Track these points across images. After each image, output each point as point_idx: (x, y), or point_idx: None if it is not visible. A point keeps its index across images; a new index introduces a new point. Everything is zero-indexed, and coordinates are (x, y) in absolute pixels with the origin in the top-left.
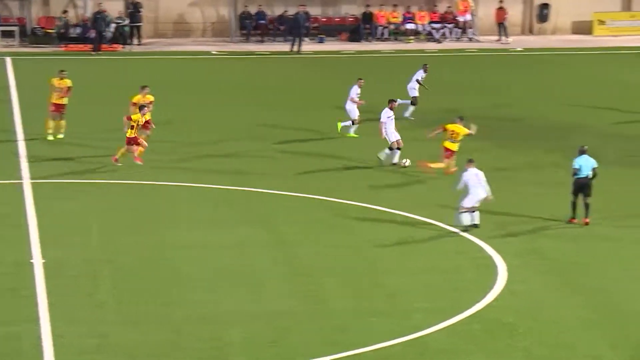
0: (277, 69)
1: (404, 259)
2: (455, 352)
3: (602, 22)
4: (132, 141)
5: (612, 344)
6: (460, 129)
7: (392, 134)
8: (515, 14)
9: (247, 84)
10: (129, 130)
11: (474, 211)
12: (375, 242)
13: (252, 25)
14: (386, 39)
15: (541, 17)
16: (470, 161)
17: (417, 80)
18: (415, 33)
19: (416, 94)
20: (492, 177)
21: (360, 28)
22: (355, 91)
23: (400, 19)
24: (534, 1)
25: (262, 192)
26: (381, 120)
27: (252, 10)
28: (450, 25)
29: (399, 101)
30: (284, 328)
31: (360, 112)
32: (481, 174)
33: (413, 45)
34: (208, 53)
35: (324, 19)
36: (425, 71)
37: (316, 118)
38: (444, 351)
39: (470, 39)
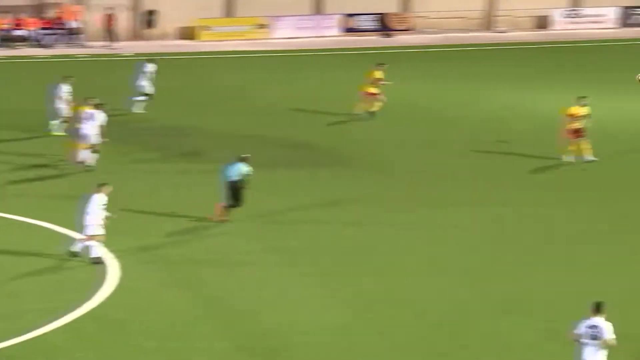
0: None
1: (16, 262)
2: (70, 350)
3: (206, 28)
4: None
5: (220, 336)
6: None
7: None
8: (123, 20)
9: None
10: None
11: (88, 241)
12: None
13: None
14: None
15: (148, 23)
16: (99, 185)
17: (145, 76)
18: (25, 39)
19: (148, 89)
20: (105, 180)
21: None
22: (63, 89)
23: (9, 26)
24: (141, 7)
25: None
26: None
27: None
28: (60, 31)
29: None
30: None
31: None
32: (98, 199)
33: (24, 51)
34: None
35: None
36: (154, 63)
37: None
38: (59, 349)
39: (82, 45)
